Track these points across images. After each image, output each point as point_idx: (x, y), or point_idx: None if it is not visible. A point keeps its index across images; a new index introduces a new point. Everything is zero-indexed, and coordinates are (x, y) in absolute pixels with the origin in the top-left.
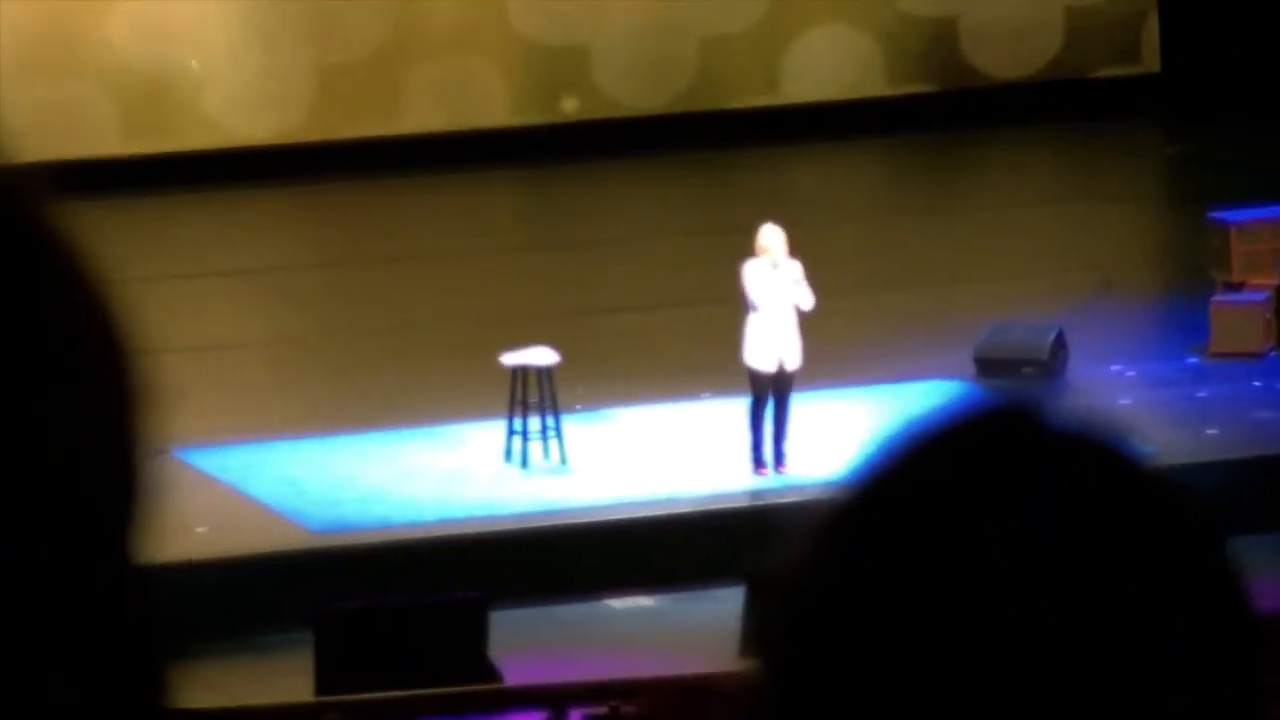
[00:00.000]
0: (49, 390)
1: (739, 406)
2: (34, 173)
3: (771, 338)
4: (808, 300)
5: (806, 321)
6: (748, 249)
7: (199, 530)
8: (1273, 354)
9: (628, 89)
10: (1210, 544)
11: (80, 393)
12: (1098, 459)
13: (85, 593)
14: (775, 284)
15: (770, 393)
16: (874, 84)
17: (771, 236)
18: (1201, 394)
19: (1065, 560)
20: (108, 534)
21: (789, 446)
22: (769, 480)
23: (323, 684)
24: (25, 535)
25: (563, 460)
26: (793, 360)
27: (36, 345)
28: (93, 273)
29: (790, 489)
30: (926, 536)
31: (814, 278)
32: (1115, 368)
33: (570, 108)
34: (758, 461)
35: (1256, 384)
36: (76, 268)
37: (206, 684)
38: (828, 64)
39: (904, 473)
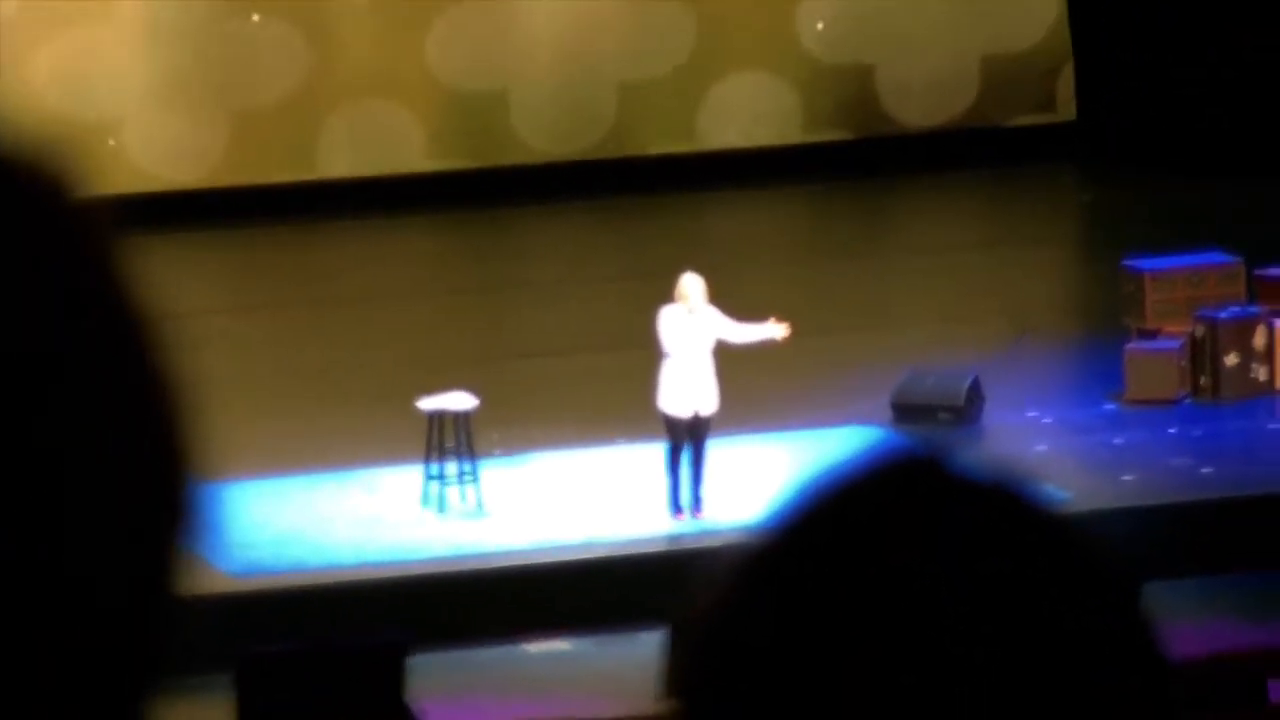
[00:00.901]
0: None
1: (655, 451)
2: (99, 207)
3: (686, 384)
4: (760, 332)
5: (723, 366)
6: (665, 295)
7: None
8: (1187, 401)
9: (546, 135)
10: (1121, 590)
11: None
12: (1007, 506)
13: (98, 609)
14: (691, 331)
15: (686, 439)
16: (792, 131)
17: (692, 285)
18: (1117, 440)
19: (974, 607)
20: (143, 557)
21: (705, 492)
22: (686, 525)
23: None
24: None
25: (479, 505)
26: (708, 406)
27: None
28: (142, 304)
29: (708, 534)
30: (839, 583)
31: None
32: (1031, 414)
33: None
34: (675, 507)
35: (1171, 431)
36: (131, 300)
37: None
38: (746, 111)
39: (817, 519)
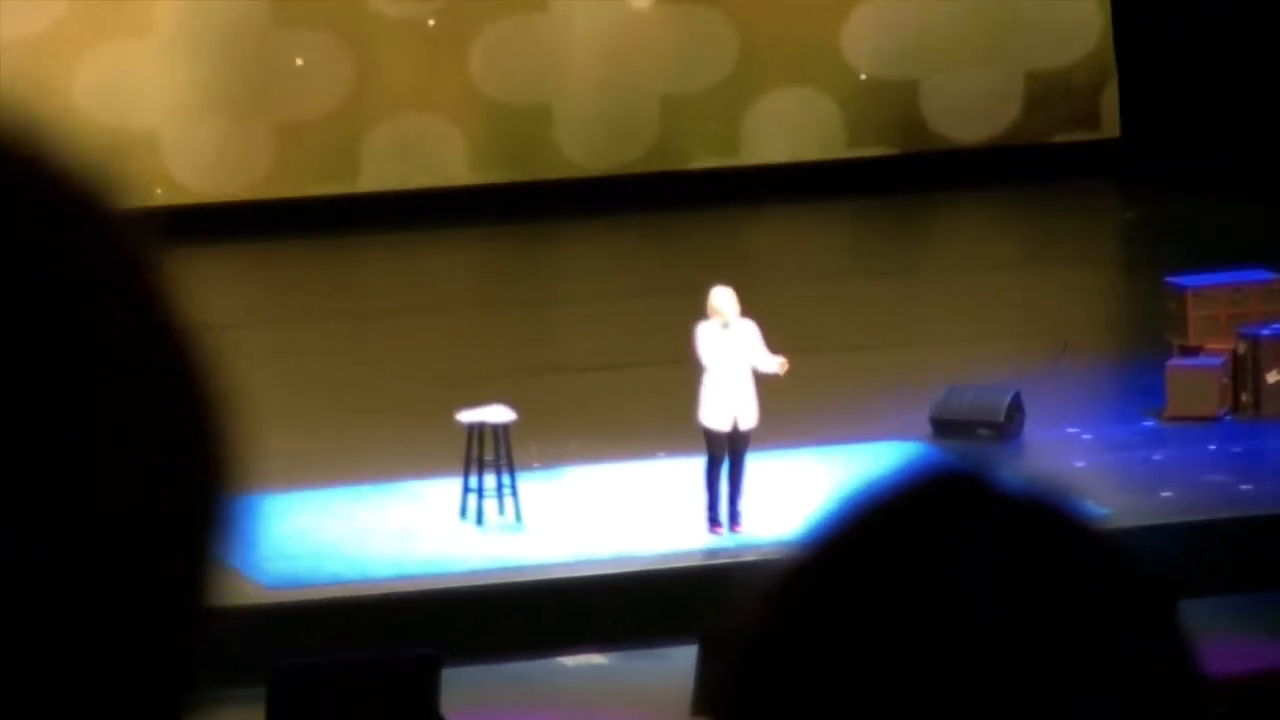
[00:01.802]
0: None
1: (694, 466)
2: (141, 219)
3: (725, 398)
4: (769, 365)
5: (764, 382)
6: (704, 308)
7: None
8: (1227, 418)
9: (588, 149)
10: (1159, 607)
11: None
12: (1047, 523)
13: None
14: (727, 345)
15: (725, 452)
16: (835, 146)
17: (723, 298)
18: (1157, 457)
19: (1014, 624)
20: (177, 568)
21: (744, 506)
22: (724, 540)
23: None
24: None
25: (517, 518)
26: (747, 420)
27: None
28: (181, 315)
29: (745, 548)
30: (876, 600)
31: (772, 338)
32: (1071, 430)
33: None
34: (713, 521)
35: (1211, 448)
36: (171, 314)
37: None
38: (789, 126)
39: (855, 535)
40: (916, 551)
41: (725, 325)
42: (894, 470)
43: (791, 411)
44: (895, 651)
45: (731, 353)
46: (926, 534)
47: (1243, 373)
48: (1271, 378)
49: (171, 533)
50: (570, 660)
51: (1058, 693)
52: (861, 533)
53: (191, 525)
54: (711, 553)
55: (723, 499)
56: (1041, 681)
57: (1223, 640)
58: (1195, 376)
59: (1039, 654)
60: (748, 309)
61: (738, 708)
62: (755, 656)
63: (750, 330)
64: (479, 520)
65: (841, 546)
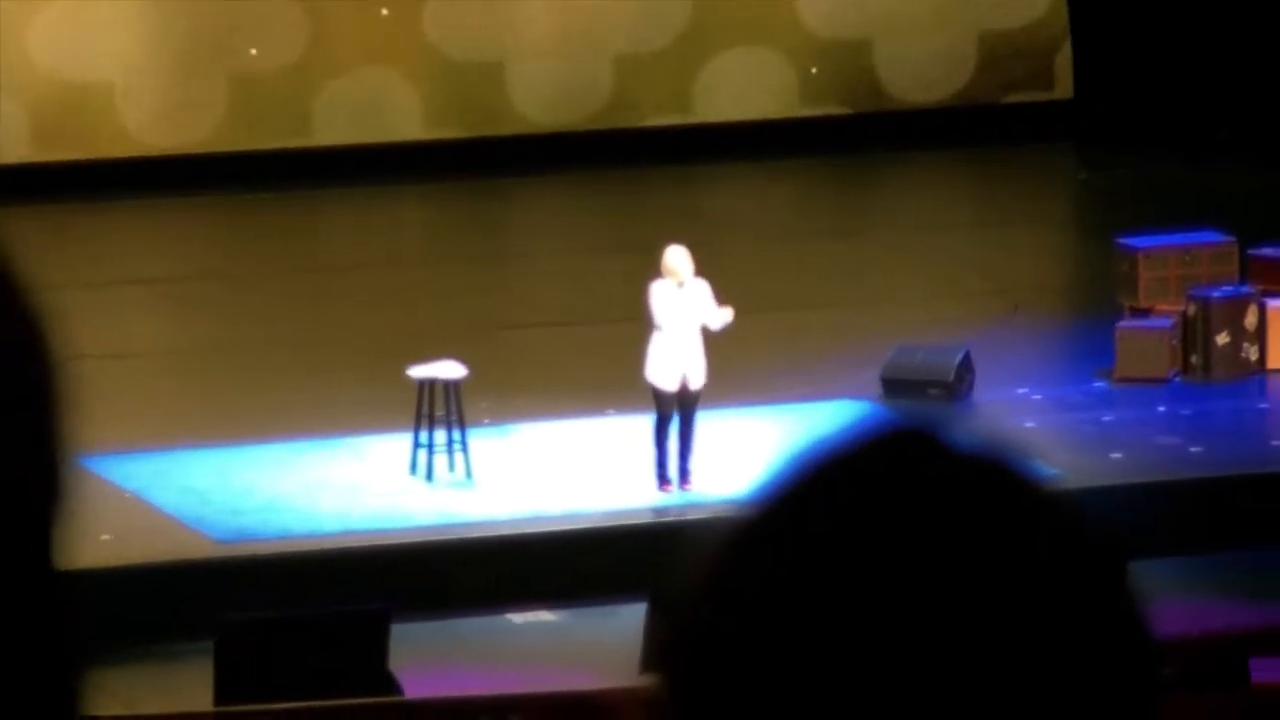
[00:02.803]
0: None
1: (645, 423)
2: None
3: (675, 357)
4: (716, 320)
5: (715, 339)
6: (658, 268)
7: (103, 538)
8: (1177, 380)
9: (542, 106)
10: (1111, 565)
11: (6, 395)
12: (997, 480)
13: (5, 595)
14: (680, 304)
15: (675, 410)
16: (788, 106)
17: (677, 257)
18: (1107, 418)
19: (963, 579)
20: (30, 537)
21: (694, 464)
22: (674, 497)
23: (222, 694)
24: None
25: (468, 474)
26: (697, 379)
27: None
28: (20, 280)
29: (695, 506)
30: (824, 555)
31: (725, 297)
32: (1021, 391)
33: None
34: (662, 479)
35: (1161, 409)
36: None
37: (106, 691)
38: (742, 85)
39: (805, 493)
40: (866, 508)
41: (680, 285)
42: (845, 428)
43: (743, 370)
44: (843, 606)
45: (683, 312)
46: (876, 490)
47: (1193, 335)
48: (1221, 340)
49: (17, 499)
50: (519, 617)
51: (1008, 649)
52: (810, 490)
53: (35, 494)
54: (662, 510)
55: (672, 457)
56: (992, 638)
57: (1172, 601)
58: (1145, 338)
59: (989, 610)
60: (701, 267)
61: (686, 663)
62: (703, 612)
63: (703, 290)
64: (429, 476)
65: (790, 503)
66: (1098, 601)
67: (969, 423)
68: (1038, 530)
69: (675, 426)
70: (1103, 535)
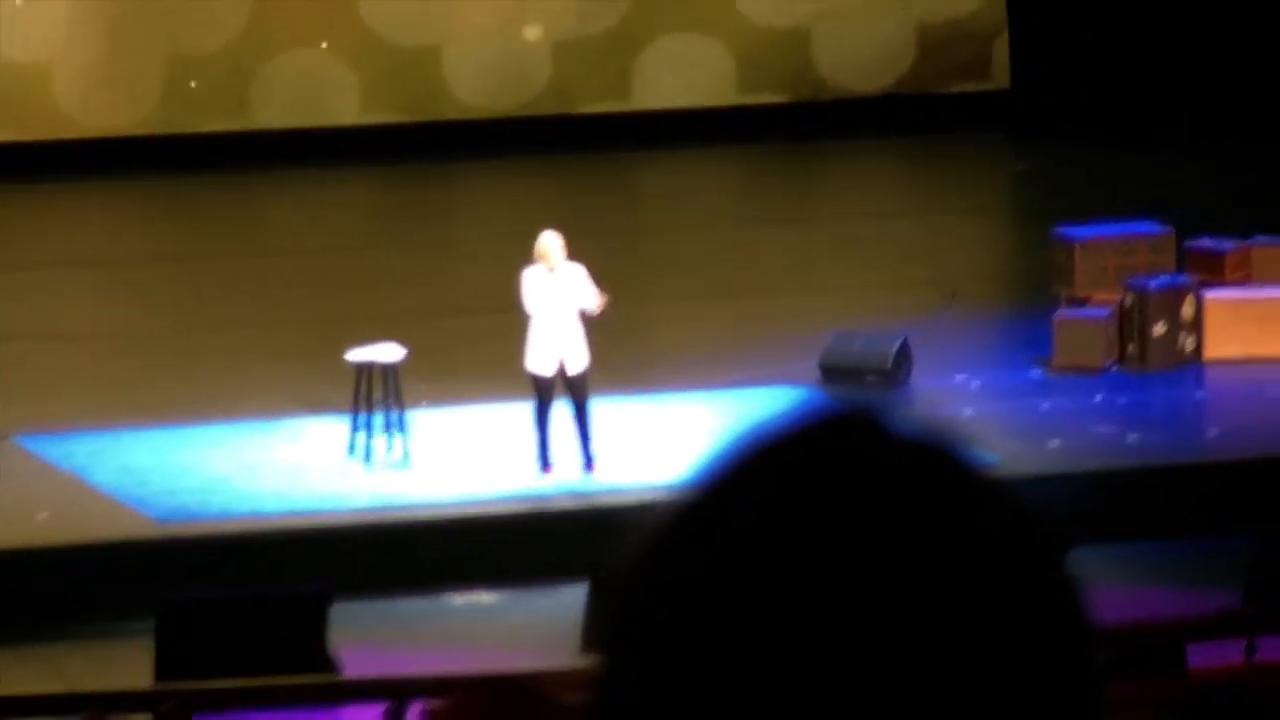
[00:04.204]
0: None
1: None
2: None
3: (551, 342)
4: (591, 302)
5: (655, 323)
6: (595, 252)
7: (40, 516)
8: (1113, 369)
9: (479, 91)
10: (1048, 551)
11: None
12: (935, 466)
13: None
14: (551, 290)
15: (552, 397)
16: (726, 93)
17: (548, 242)
18: (1044, 406)
19: (899, 565)
20: None
21: (596, 449)
22: (583, 482)
23: (162, 672)
24: None
25: (405, 456)
26: (575, 364)
27: None
28: None
29: (633, 489)
30: (763, 540)
31: (663, 282)
32: (959, 378)
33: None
34: (544, 464)
35: (1098, 398)
36: None
37: (45, 669)
38: (680, 71)
39: (741, 478)
40: (801, 493)
41: (551, 269)
42: (782, 413)
43: (681, 356)
44: (776, 592)
45: (557, 297)
46: (811, 476)
47: (1129, 324)
48: (1158, 330)
49: None
50: (458, 598)
51: (945, 634)
52: (746, 475)
53: None
54: (599, 492)
55: (553, 442)
56: (928, 623)
57: (1109, 588)
58: (1082, 327)
59: (925, 595)
60: (640, 253)
61: (623, 645)
62: (642, 594)
63: (578, 274)
64: (367, 458)
65: (728, 487)
66: (1035, 587)
67: (904, 409)
68: (974, 515)
69: (572, 414)
70: (1040, 522)
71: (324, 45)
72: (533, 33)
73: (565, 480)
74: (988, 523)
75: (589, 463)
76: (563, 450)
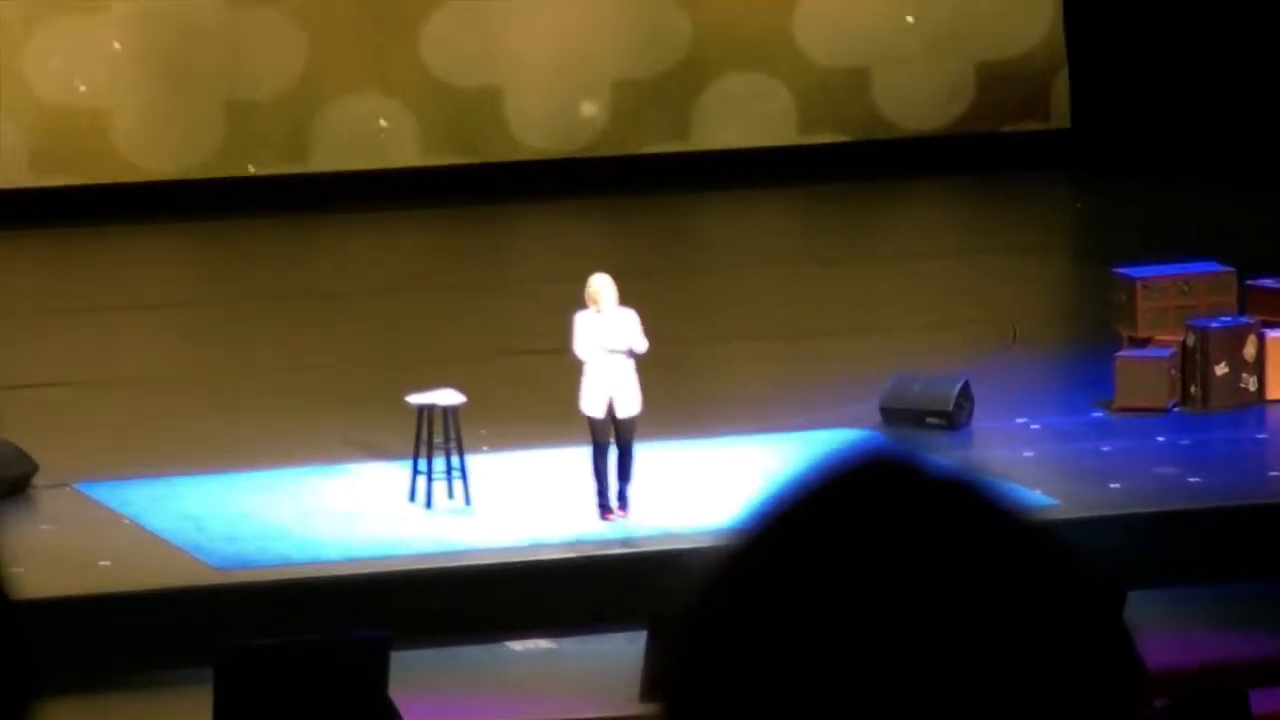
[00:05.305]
0: None
1: (644, 451)
2: None
3: (601, 385)
4: (640, 345)
5: (714, 365)
6: (653, 294)
7: (102, 564)
8: (1175, 410)
9: (539, 132)
10: (1095, 596)
11: None
12: (978, 511)
13: None
14: (602, 333)
15: (608, 440)
16: (787, 133)
17: (598, 285)
18: (1105, 448)
19: (949, 612)
20: None
21: (632, 491)
22: (634, 527)
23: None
24: None
25: (466, 501)
26: (625, 407)
27: None
28: None
29: (694, 534)
30: (813, 585)
31: (722, 324)
32: (1020, 420)
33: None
34: (603, 508)
35: (1160, 439)
36: None
37: (105, 718)
38: (740, 112)
39: (791, 522)
40: (852, 540)
41: (599, 312)
42: (829, 457)
43: (741, 398)
44: (833, 636)
45: (605, 340)
46: (861, 523)
47: (1191, 365)
48: (1220, 370)
49: None
50: (518, 644)
51: (994, 680)
52: (796, 520)
53: None
54: (660, 537)
55: (612, 485)
56: (977, 669)
57: (1171, 632)
58: (1144, 368)
59: (973, 642)
60: (698, 294)
61: (683, 691)
62: (698, 641)
63: (629, 318)
64: (428, 503)
65: (776, 533)
66: (1080, 629)
67: (961, 453)
68: (1017, 560)
69: (614, 455)
70: (1083, 563)
71: (382, 88)
72: (589, 109)
73: (625, 525)
74: (1027, 567)
75: (624, 504)
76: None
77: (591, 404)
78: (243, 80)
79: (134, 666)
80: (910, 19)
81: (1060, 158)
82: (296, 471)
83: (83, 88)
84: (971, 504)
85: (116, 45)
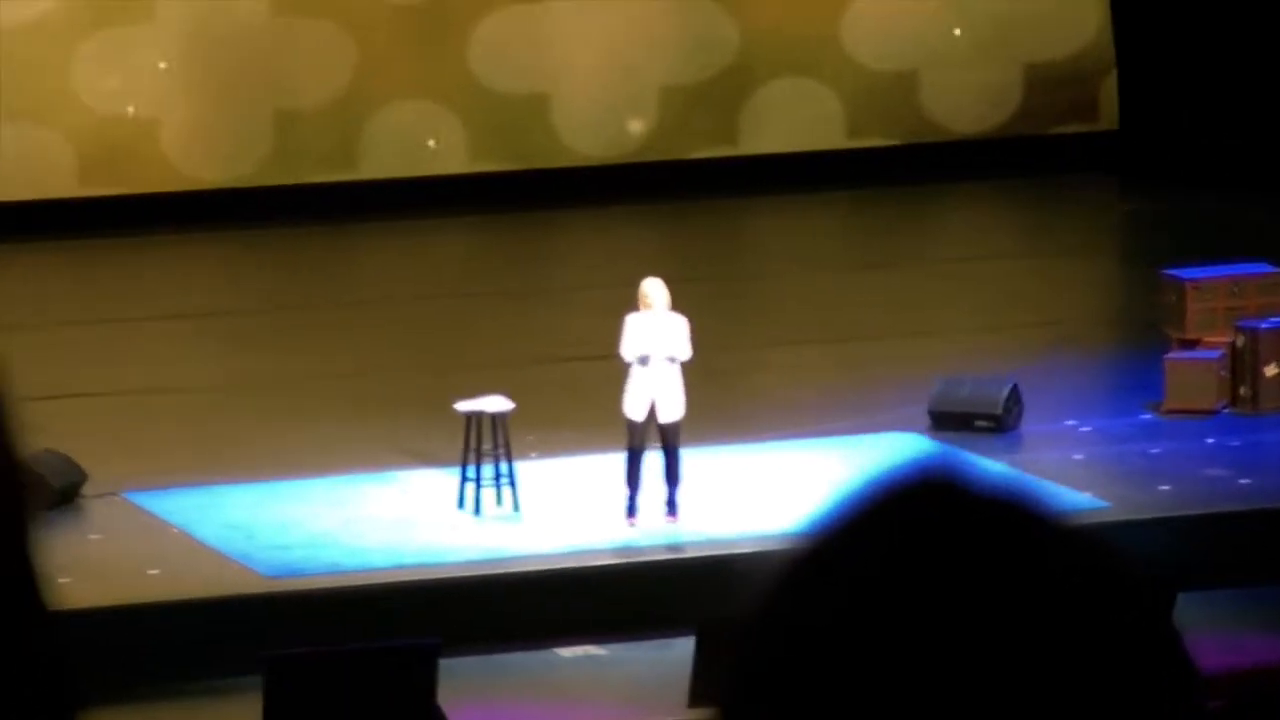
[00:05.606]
0: None
1: (692, 457)
2: None
3: (645, 388)
4: (684, 353)
5: (763, 369)
6: (703, 298)
7: (151, 572)
8: (1225, 411)
9: (587, 137)
10: (1144, 602)
11: None
12: (1026, 522)
13: None
14: (648, 335)
15: (643, 444)
16: (834, 137)
17: (653, 289)
18: (1155, 450)
19: (1001, 622)
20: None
21: (680, 496)
22: (671, 532)
23: None
24: None
25: (515, 507)
26: (668, 412)
27: None
28: None
29: (745, 539)
30: (876, 597)
31: (770, 328)
32: (1069, 423)
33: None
34: (630, 511)
35: (1209, 441)
36: None
37: None
38: (788, 116)
39: (847, 533)
40: (905, 551)
41: (652, 317)
42: (882, 468)
43: (790, 403)
44: (890, 647)
45: (653, 344)
46: (914, 534)
47: (1241, 366)
48: (1269, 371)
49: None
50: (567, 651)
51: (1046, 689)
52: (854, 531)
53: (9, 534)
54: (709, 543)
55: (644, 490)
56: (1029, 678)
57: (1219, 635)
58: (1193, 369)
59: (1024, 652)
60: (747, 299)
61: (739, 698)
62: (756, 649)
63: (679, 324)
64: (477, 510)
65: (833, 543)
66: (1132, 636)
67: (1006, 458)
68: (1066, 568)
69: (662, 461)
70: (1133, 567)
71: (430, 96)
72: (636, 125)
73: (666, 530)
74: (1077, 576)
75: (672, 509)
76: (649, 498)
77: (633, 407)
78: (291, 89)
79: (183, 675)
80: (958, 31)
81: (1109, 160)
82: (345, 479)
83: (131, 99)
84: (1017, 516)
85: (164, 57)
